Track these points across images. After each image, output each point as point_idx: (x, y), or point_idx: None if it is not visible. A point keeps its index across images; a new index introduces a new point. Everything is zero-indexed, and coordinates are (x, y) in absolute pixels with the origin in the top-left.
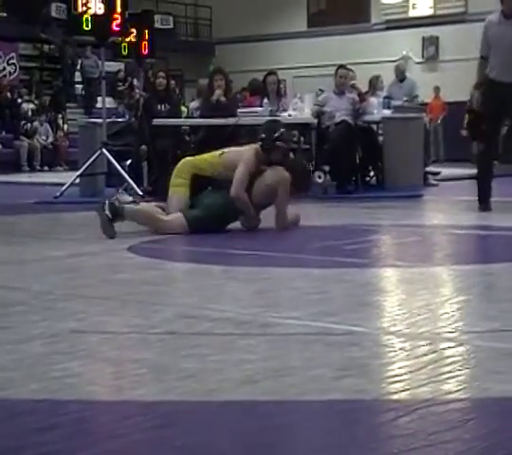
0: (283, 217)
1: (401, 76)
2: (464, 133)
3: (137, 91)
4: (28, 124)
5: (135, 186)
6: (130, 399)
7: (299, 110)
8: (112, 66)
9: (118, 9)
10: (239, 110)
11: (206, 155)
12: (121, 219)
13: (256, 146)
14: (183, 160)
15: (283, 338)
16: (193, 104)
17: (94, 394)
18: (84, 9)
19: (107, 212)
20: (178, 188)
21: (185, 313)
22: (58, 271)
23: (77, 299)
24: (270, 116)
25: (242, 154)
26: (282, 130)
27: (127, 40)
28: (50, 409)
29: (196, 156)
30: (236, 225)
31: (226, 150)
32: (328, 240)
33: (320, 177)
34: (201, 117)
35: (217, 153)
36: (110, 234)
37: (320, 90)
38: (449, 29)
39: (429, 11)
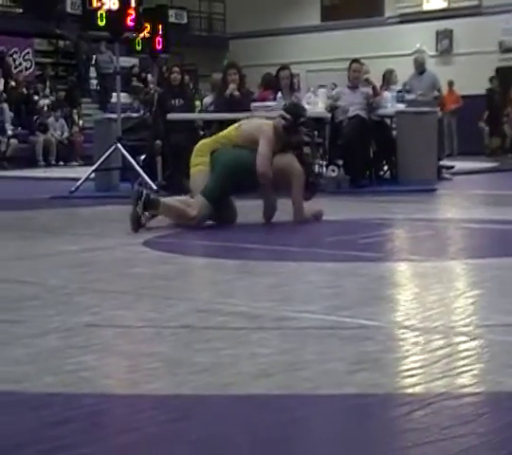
0: (299, 210)
1: (420, 68)
2: (482, 125)
3: (151, 86)
4: (43, 119)
5: (149, 180)
6: (144, 393)
7: (312, 104)
8: (126, 62)
9: (133, 5)
10: (252, 104)
11: (224, 131)
12: (155, 212)
13: (275, 122)
14: (201, 141)
15: (296, 332)
16: (207, 99)
17: (108, 388)
18: (99, 4)
19: (139, 207)
20: (198, 167)
21: (198, 307)
22: (73, 265)
23: (91, 293)
24: None
25: (260, 128)
26: (306, 116)
27: (141, 35)
28: (65, 403)
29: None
30: (250, 218)
31: (244, 121)
32: (342, 234)
33: (333, 171)
34: (215, 111)
35: (235, 125)
36: (135, 228)
37: (334, 84)
38: (463, 23)
39: (443, 5)
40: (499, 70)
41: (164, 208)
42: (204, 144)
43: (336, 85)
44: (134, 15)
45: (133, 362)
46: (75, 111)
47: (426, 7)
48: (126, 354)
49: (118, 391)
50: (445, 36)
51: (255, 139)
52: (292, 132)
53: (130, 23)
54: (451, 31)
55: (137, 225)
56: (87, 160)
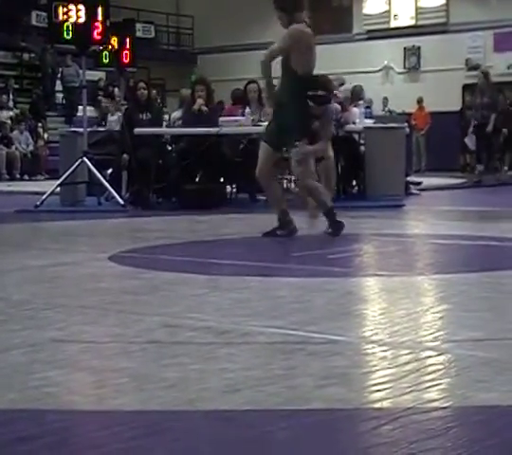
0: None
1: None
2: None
3: (117, 100)
4: (6, 132)
5: (116, 195)
6: (111, 409)
7: None
8: (93, 75)
9: (100, 18)
10: (221, 119)
11: None
12: None
13: None
14: None
15: (264, 347)
16: (175, 114)
17: (74, 404)
18: (65, 17)
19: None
20: None
21: (166, 322)
22: (38, 280)
23: (57, 308)
24: (253, 125)
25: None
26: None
27: (108, 49)
28: (30, 419)
29: None
30: (223, 233)
31: None
32: (310, 249)
33: None
34: (183, 126)
35: None
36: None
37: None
38: (431, 40)
39: (411, 22)
40: (465, 87)
41: None
42: None
43: None
44: (100, 28)
45: (99, 378)
46: (40, 124)
47: (393, 24)
48: (92, 370)
49: (84, 406)
50: (412, 53)
51: None
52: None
53: (96, 36)
54: (419, 48)
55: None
56: (53, 174)
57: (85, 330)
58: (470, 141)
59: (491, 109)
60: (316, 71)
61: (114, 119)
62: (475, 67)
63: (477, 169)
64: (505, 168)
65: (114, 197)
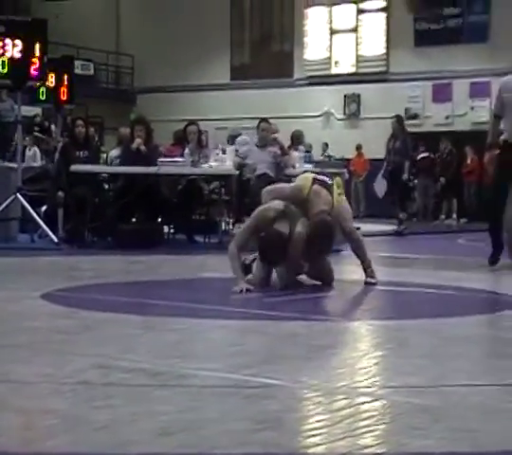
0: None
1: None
2: (376, 186)
3: (54, 136)
4: None
5: (50, 232)
6: (40, 451)
7: (220, 161)
8: (29, 111)
9: (37, 54)
10: (160, 159)
11: None
12: None
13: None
14: None
15: (199, 390)
16: (114, 152)
17: (2, 446)
18: (1, 51)
19: None
20: None
21: (99, 363)
22: None
23: None
24: (192, 166)
25: None
26: None
27: (45, 85)
28: None
29: None
30: (161, 273)
31: None
32: (248, 292)
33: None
34: (121, 165)
35: None
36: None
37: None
38: (371, 88)
39: (352, 69)
40: None
41: None
42: None
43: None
44: (38, 64)
45: (28, 419)
46: None
47: (334, 70)
48: (21, 411)
49: (11, 449)
50: (352, 100)
51: None
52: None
53: (33, 72)
54: (359, 96)
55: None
56: None
57: (15, 369)
58: (379, 187)
59: (403, 155)
60: (257, 115)
61: (30, 155)
62: (414, 116)
63: (400, 217)
64: (442, 216)
65: (48, 235)
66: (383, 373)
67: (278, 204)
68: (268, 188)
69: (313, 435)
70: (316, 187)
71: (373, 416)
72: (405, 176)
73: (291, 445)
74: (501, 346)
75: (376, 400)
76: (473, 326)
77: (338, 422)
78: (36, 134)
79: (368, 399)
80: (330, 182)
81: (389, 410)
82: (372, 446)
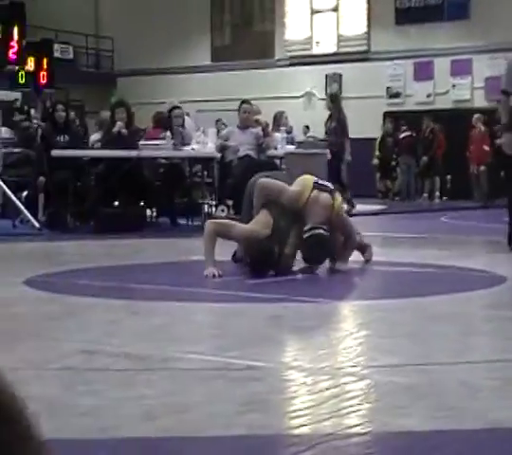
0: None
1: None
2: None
3: (34, 121)
4: None
5: (31, 218)
6: None
7: (202, 144)
8: (8, 95)
9: (16, 37)
10: (141, 142)
11: None
12: None
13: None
14: None
15: (183, 374)
16: (94, 136)
17: None
18: None
19: None
20: None
21: (83, 348)
22: None
23: None
24: (174, 149)
25: None
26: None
27: (25, 69)
28: None
29: None
30: (145, 256)
31: None
32: (231, 275)
33: (223, 211)
34: (102, 149)
35: None
36: None
37: (219, 121)
38: (352, 67)
39: (333, 49)
40: (386, 114)
41: None
42: None
43: (220, 121)
44: (16, 48)
45: None
46: None
47: (315, 50)
48: None
49: None
50: (334, 80)
51: None
52: None
53: (12, 56)
54: (340, 75)
55: None
56: None
57: None
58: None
59: (338, 135)
60: (239, 97)
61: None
62: (396, 95)
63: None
64: (425, 195)
65: (29, 220)
66: (367, 352)
67: (267, 226)
68: (263, 182)
69: (298, 416)
70: (315, 193)
71: (357, 396)
72: (348, 157)
73: (277, 427)
74: (482, 324)
75: (360, 380)
76: (455, 304)
77: (323, 402)
78: (16, 118)
79: (352, 379)
80: (331, 187)
81: (373, 390)
82: (356, 426)
